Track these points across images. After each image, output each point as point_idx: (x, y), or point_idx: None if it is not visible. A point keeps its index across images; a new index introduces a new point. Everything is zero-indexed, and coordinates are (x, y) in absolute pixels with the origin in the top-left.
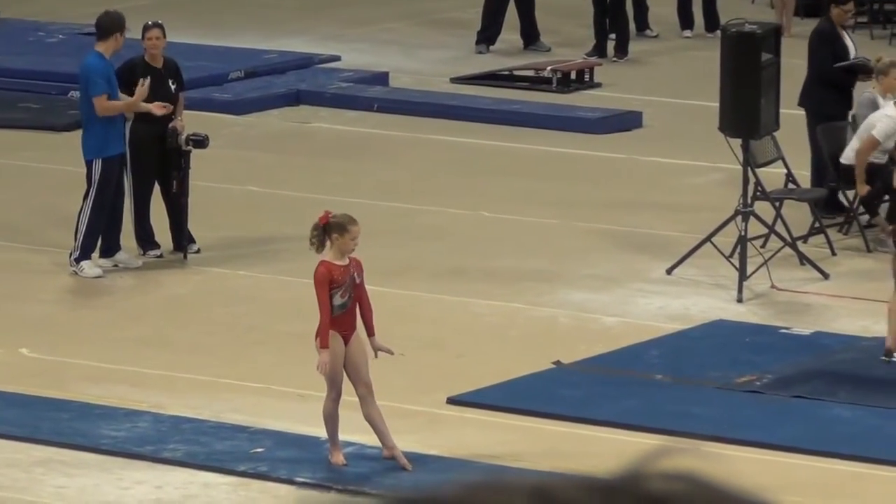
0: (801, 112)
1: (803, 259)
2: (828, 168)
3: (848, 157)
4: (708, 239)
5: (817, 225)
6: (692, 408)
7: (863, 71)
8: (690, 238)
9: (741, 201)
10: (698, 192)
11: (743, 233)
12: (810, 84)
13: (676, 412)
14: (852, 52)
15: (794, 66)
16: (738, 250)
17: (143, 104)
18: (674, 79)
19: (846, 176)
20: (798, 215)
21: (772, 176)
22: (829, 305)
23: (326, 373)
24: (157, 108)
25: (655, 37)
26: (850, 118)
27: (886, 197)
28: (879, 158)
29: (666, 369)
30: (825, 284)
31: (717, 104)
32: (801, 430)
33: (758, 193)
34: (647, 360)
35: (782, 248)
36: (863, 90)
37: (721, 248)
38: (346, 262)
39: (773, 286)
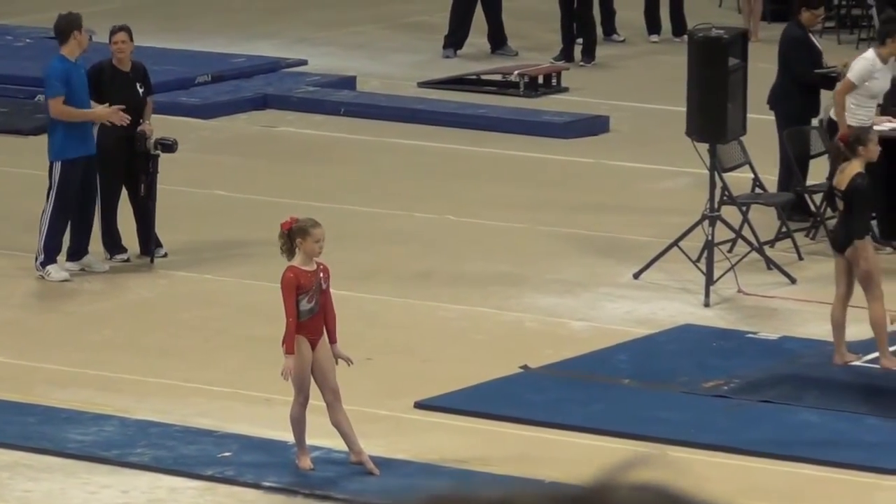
0: (768, 116)
1: (770, 263)
2: (795, 172)
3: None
4: (675, 243)
5: (784, 229)
6: (659, 412)
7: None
8: (657, 242)
9: (708, 206)
10: (665, 197)
11: (710, 237)
12: (783, 88)
13: (643, 417)
14: (823, 56)
15: (760, 70)
16: (705, 255)
17: (103, 112)
18: (641, 83)
19: (833, 132)
20: (765, 220)
21: (739, 180)
22: (795, 310)
23: (292, 378)
24: (118, 119)
25: (623, 41)
26: (817, 122)
27: None
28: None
29: (633, 374)
30: (792, 289)
31: (684, 109)
32: (767, 434)
33: (725, 198)
34: (615, 364)
35: (749, 252)
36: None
37: (688, 253)
38: (314, 267)
39: (740, 291)
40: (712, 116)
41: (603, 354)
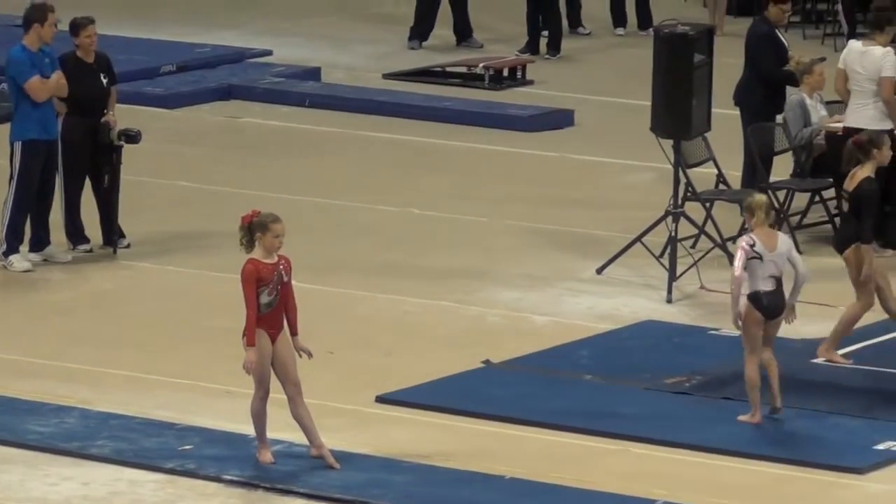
0: (733, 112)
1: (733, 260)
2: (759, 168)
3: (856, 121)
4: (638, 239)
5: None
6: (621, 408)
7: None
8: (621, 238)
9: (672, 202)
10: (629, 192)
11: (673, 233)
12: (749, 84)
13: (605, 412)
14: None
15: (726, 65)
16: (668, 251)
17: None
18: (606, 77)
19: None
20: (728, 216)
21: (703, 176)
22: None
23: (253, 371)
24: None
25: (588, 34)
26: (782, 119)
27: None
28: None
29: (595, 369)
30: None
31: (649, 103)
32: (729, 431)
33: (688, 194)
34: (577, 360)
35: (712, 248)
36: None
37: (651, 249)
38: (275, 259)
39: (702, 287)
40: (677, 113)
41: (565, 350)
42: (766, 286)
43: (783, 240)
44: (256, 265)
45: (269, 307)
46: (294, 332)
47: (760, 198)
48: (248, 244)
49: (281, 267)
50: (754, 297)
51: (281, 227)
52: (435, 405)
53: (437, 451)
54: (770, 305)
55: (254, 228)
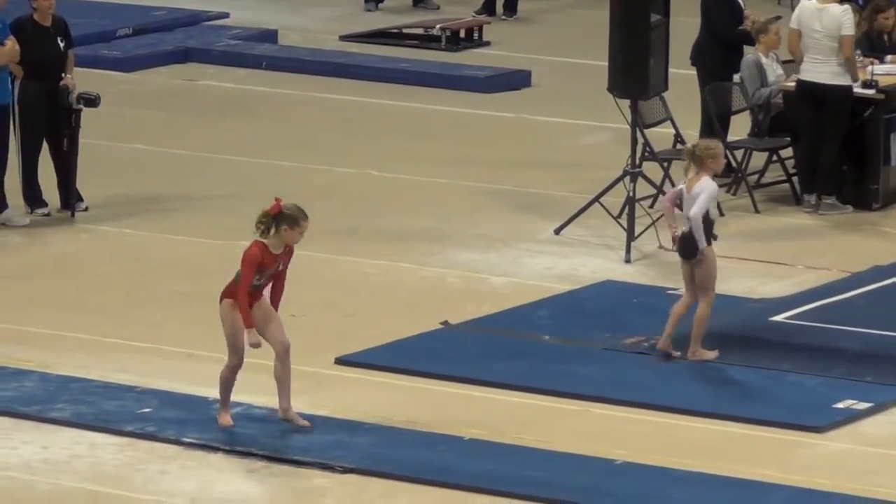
0: (689, 72)
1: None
2: (716, 128)
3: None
4: (596, 199)
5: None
6: (580, 369)
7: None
8: (579, 198)
9: (629, 162)
10: (587, 152)
11: (631, 193)
12: (706, 44)
13: (564, 373)
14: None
15: (683, 24)
16: (626, 211)
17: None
18: (563, 38)
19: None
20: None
21: (660, 136)
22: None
23: (226, 340)
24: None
25: None
26: (738, 79)
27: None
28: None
29: (554, 330)
30: (713, 245)
31: (605, 63)
32: (689, 391)
33: (646, 154)
34: (535, 320)
35: None
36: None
37: (609, 209)
38: (281, 250)
39: (661, 247)
40: (634, 72)
41: (524, 311)
42: (684, 228)
43: (701, 184)
44: (262, 251)
45: (255, 288)
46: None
47: (687, 146)
48: (265, 231)
49: (282, 258)
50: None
51: (308, 222)
52: (395, 367)
53: (397, 413)
54: (679, 248)
55: (281, 220)
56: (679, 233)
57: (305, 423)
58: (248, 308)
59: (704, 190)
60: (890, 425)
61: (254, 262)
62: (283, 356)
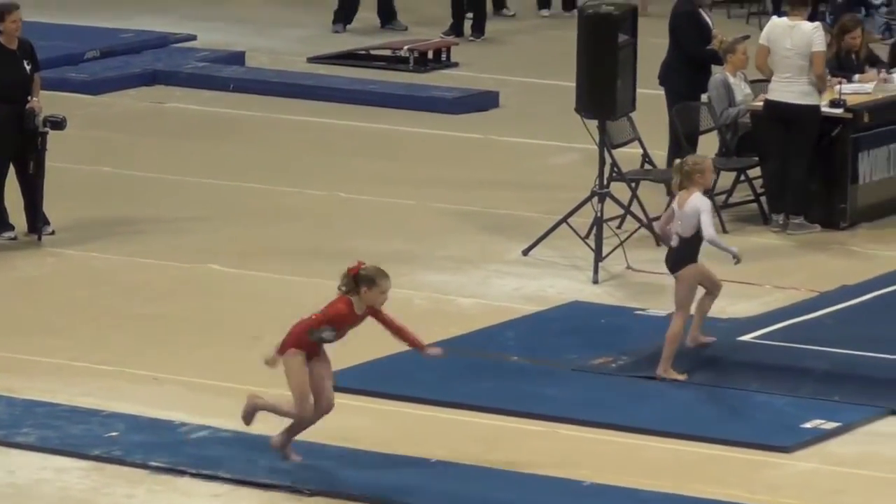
0: (657, 92)
1: (660, 240)
2: (684, 148)
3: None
4: (564, 220)
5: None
6: (547, 389)
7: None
8: (547, 219)
9: (597, 182)
10: (555, 173)
11: (599, 214)
12: (674, 64)
13: (532, 394)
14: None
15: (651, 45)
16: (594, 231)
17: None
18: (531, 59)
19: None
20: (654, 196)
21: (628, 156)
22: None
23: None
24: None
25: (513, 16)
26: (706, 99)
27: None
28: None
29: (521, 351)
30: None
31: (573, 84)
32: (656, 412)
33: (614, 174)
34: (503, 341)
35: (638, 228)
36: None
37: (577, 230)
38: (363, 311)
39: (628, 267)
40: (602, 92)
41: (491, 332)
42: (673, 243)
43: (692, 201)
44: (349, 310)
45: (321, 342)
46: (418, 344)
47: (676, 162)
48: (349, 292)
49: (360, 320)
50: None
51: (388, 283)
52: (361, 389)
53: (363, 435)
54: (666, 260)
55: (360, 281)
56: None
57: (298, 457)
58: (295, 343)
59: (702, 211)
60: (857, 444)
61: (335, 319)
62: (322, 413)
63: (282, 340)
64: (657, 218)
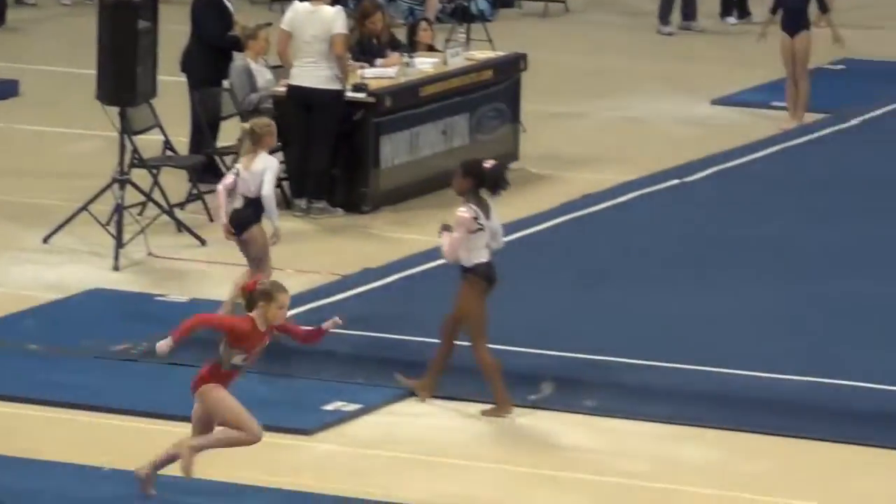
0: (179, 79)
1: (181, 226)
2: (206, 134)
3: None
4: (84, 207)
5: (195, 192)
6: (68, 377)
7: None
8: (67, 206)
9: (118, 169)
10: (76, 160)
11: (119, 201)
12: (195, 50)
13: (51, 382)
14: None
15: (173, 32)
16: (114, 218)
17: None
18: (53, 47)
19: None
20: (176, 182)
21: (150, 143)
22: (205, 272)
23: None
24: None
25: (34, 5)
26: (228, 85)
27: None
28: None
29: (41, 339)
30: (202, 251)
31: (95, 72)
32: (176, 397)
33: (135, 161)
34: (22, 329)
35: (159, 215)
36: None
37: (98, 217)
38: (265, 328)
39: (150, 253)
40: (122, 80)
41: (10, 320)
42: (237, 203)
43: (260, 160)
44: (252, 329)
45: (233, 368)
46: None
47: (245, 127)
48: (249, 309)
49: (268, 338)
50: None
51: (286, 296)
52: None
53: None
54: (230, 221)
55: (256, 297)
56: (231, 210)
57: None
58: (188, 331)
59: (268, 168)
60: (378, 426)
61: (241, 337)
62: (247, 439)
63: (193, 382)
64: (178, 204)
